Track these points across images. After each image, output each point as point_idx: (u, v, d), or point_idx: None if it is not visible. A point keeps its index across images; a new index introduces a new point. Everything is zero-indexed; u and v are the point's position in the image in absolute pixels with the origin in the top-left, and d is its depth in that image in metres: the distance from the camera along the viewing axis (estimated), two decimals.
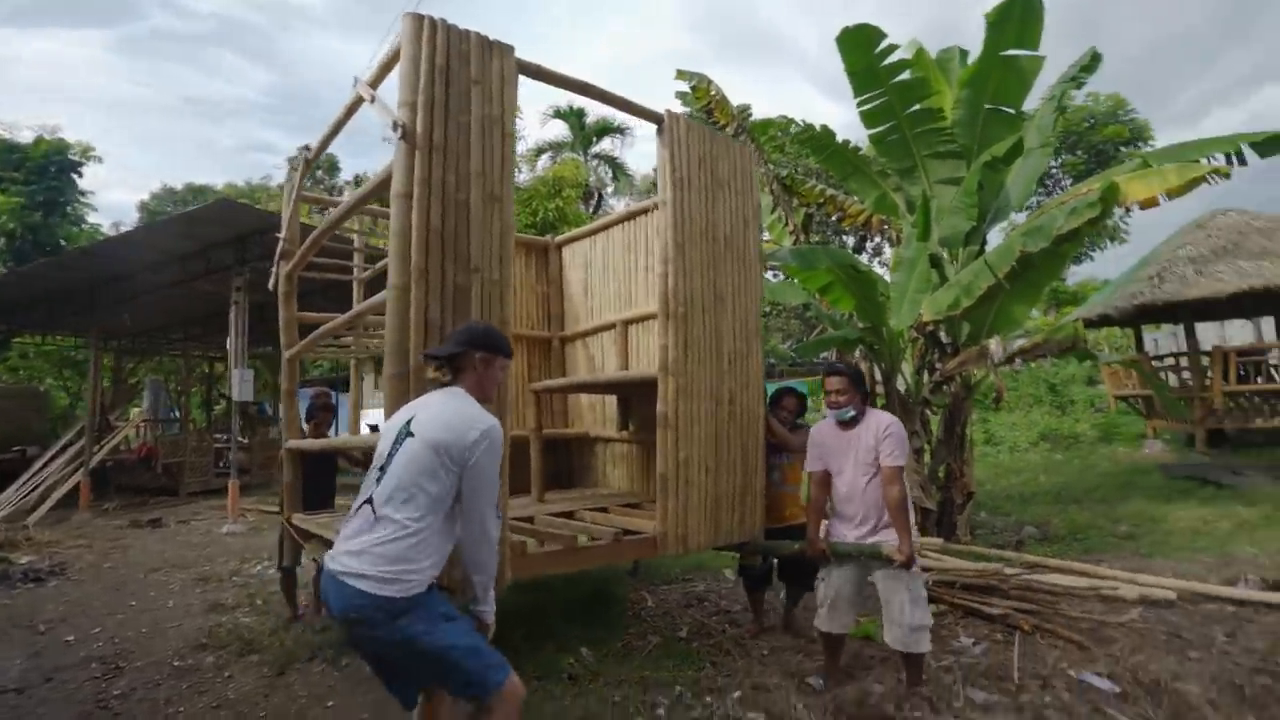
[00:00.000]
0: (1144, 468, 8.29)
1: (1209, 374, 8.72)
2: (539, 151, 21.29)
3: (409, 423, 2.02)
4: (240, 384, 7.58)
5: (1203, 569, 4.53)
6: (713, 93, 7.11)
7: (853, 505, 2.95)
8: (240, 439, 11.93)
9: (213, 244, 8.06)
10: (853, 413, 2.97)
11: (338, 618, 1.95)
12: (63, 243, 14.04)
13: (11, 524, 7.78)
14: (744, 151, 3.90)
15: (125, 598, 4.99)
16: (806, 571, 3.48)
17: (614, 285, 5.03)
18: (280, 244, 4.07)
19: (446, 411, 2.02)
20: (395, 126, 2.49)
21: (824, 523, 3.14)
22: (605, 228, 5.14)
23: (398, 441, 2.01)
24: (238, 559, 6.05)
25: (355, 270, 5.15)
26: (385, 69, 2.90)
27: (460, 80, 2.67)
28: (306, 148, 3.77)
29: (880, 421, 2.94)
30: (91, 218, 15.71)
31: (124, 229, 21.23)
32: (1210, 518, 5.76)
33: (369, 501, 1.98)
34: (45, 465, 9.56)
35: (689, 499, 3.33)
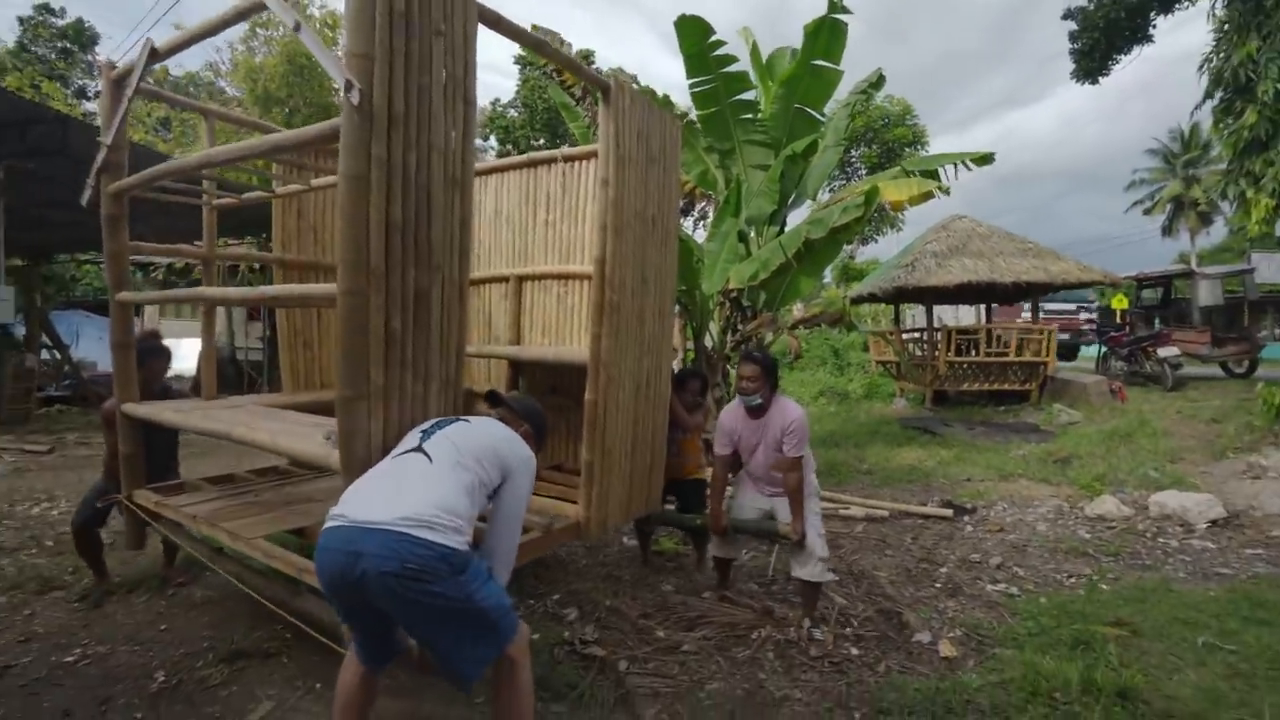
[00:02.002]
0: (889, 420, 10.31)
1: (938, 347, 11.00)
2: None
3: (459, 417, 2.20)
4: None
5: (909, 494, 6.04)
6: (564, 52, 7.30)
7: (761, 474, 3.42)
8: None
9: None
10: (759, 400, 3.27)
11: (381, 572, 1.71)
12: None
13: None
14: (675, 123, 3.65)
15: None
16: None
17: (507, 234, 4.79)
18: (102, 153, 3.28)
19: (505, 431, 2.21)
20: (349, 88, 2.06)
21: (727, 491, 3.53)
22: (498, 170, 4.81)
23: (445, 422, 2.14)
24: (4, 501, 5.40)
25: (205, 195, 4.20)
26: None
27: (422, 30, 2.22)
28: (150, 42, 3.01)
29: (787, 416, 3.24)
30: None
31: None
32: (923, 458, 7.52)
33: (420, 450, 2.00)
34: None
35: (610, 485, 3.31)
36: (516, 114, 20.90)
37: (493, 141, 21.54)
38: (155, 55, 3.04)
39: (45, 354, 13.31)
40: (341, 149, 2.11)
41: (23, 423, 9.58)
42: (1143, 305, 14.80)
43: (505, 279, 4.74)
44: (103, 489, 3.54)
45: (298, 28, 2.25)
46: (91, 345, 16.07)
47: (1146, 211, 35.99)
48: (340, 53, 2.14)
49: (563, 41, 7.14)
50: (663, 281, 3.63)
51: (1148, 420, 8.28)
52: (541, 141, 19.66)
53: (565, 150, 4.60)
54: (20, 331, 12.44)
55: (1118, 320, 15.13)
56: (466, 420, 2.17)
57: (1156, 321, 13.86)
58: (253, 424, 2.87)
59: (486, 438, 2.11)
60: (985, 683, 2.71)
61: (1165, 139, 35.49)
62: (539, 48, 3.05)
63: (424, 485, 1.88)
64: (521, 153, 19.95)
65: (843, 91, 8.31)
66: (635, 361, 3.42)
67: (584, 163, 4.42)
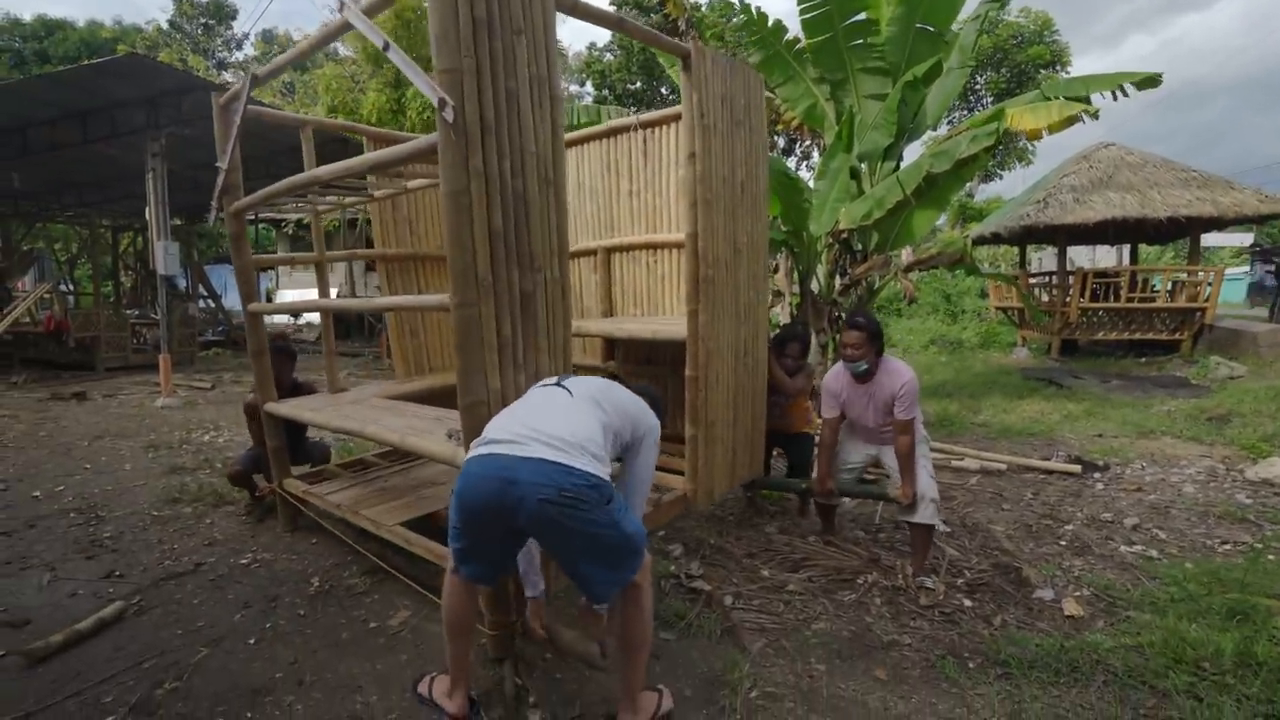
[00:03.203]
0: (1008, 370, 9.62)
1: (1070, 291, 10.01)
2: None
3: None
4: (165, 257, 7.29)
5: (1030, 448, 5.65)
6: None
7: (872, 435, 3.36)
8: (152, 314, 11.48)
9: (120, 102, 7.40)
10: (865, 366, 3.19)
11: (540, 499, 1.74)
12: None
13: None
14: (757, 80, 3.51)
15: (76, 462, 5.15)
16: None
17: (591, 207, 4.70)
18: (221, 176, 3.44)
19: (634, 395, 2.21)
20: (443, 105, 2.04)
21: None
22: (577, 142, 4.66)
23: (569, 376, 2.21)
24: (182, 429, 6.22)
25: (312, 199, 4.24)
26: None
27: (504, 32, 2.19)
28: (254, 66, 3.32)
29: (898, 379, 3.15)
30: None
31: None
32: (1047, 411, 6.98)
33: (560, 385, 2.07)
34: None
35: (714, 455, 3.34)
36: (613, 57, 20.52)
37: (589, 87, 21.34)
38: (256, 80, 3.24)
39: (201, 303, 15.00)
40: (441, 167, 2.11)
41: (189, 364, 10.90)
42: None
43: (593, 252, 4.67)
44: (253, 454, 4.01)
45: (386, 47, 2.23)
46: (238, 296, 17.87)
47: None
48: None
49: None
50: (755, 248, 3.53)
51: None
52: (638, 84, 19.24)
53: (641, 116, 4.43)
54: (182, 284, 14.05)
55: None
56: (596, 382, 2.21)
57: None
58: (381, 421, 3.09)
59: (618, 392, 2.16)
60: (1118, 645, 2.53)
61: None
62: (619, 26, 2.95)
63: (567, 415, 1.93)
64: (618, 97, 19.79)
65: (970, 8, 7.50)
66: (733, 333, 3.38)
67: (663, 128, 4.25)
